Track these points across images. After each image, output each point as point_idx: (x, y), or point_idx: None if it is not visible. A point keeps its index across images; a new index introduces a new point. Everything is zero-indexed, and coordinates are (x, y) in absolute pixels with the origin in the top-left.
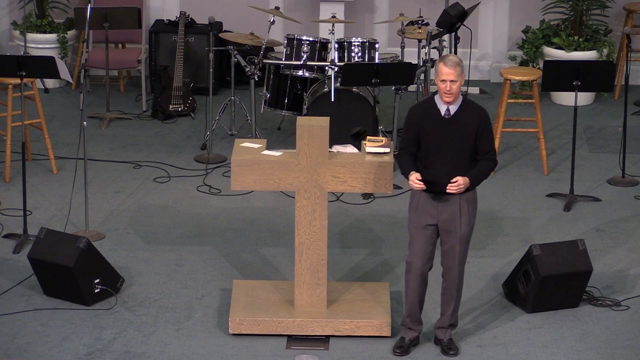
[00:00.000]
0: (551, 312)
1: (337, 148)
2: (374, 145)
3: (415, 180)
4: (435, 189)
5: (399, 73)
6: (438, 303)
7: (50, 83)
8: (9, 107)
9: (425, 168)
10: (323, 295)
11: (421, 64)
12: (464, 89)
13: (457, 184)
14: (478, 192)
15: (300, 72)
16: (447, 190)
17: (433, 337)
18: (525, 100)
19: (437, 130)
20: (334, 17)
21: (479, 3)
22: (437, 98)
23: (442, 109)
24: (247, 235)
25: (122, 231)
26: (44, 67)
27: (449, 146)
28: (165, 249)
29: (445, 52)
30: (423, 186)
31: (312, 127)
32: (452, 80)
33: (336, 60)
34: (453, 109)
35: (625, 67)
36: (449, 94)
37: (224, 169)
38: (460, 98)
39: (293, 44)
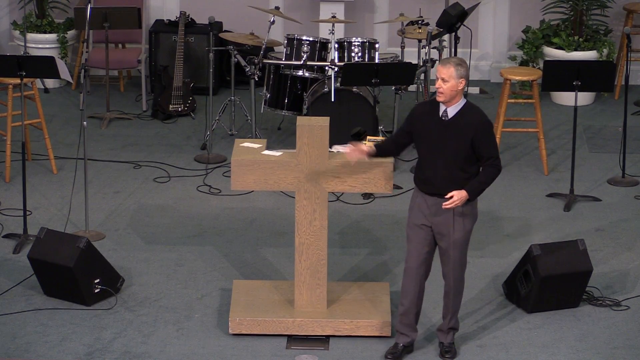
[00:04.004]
0: (551, 312)
1: (337, 148)
2: None
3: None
4: (429, 189)
5: (399, 73)
6: (438, 303)
7: (50, 83)
8: (9, 107)
9: (420, 168)
10: (323, 295)
11: (421, 64)
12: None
13: (452, 200)
14: None
15: (300, 72)
16: (443, 207)
17: (434, 338)
18: (525, 100)
19: (434, 131)
20: (334, 17)
21: (479, 3)
22: None
23: (441, 109)
24: (247, 235)
25: (122, 231)
26: (44, 67)
27: (443, 148)
28: (165, 249)
29: (445, 52)
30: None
31: (312, 127)
32: (442, 79)
33: (336, 60)
34: (451, 111)
35: (625, 67)
36: (439, 92)
37: (224, 169)
38: (463, 101)
39: (293, 44)
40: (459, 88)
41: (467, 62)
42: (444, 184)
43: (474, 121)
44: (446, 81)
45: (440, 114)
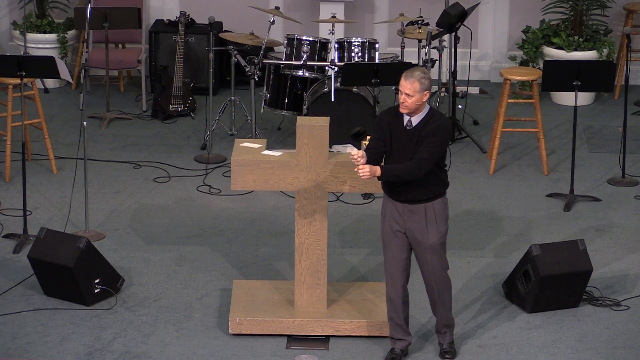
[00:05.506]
0: (551, 312)
1: (337, 148)
2: None
3: (354, 154)
4: (398, 196)
5: (399, 73)
6: (426, 303)
7: (50, 83)
8: (9, 107)
9: None
10: (323, 295)
11: (421, 64)
12: (464, 88)
13: (364, 171)
14: (479, 192)
15: (300, 72)
16: (357, 173)
17: (430, 337)
18: (525, 100)
19: (400, 139)
20: (334, 17)
21: (479, 3)
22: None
23: (405, 119)
24: (247, 235)
25: (122, 231)
26: (44, 67)
27: (410, 156)
28: (165, 249)
29: (445, 52)
30: (359, 160)
31: (312, 127)
32: (406, 94)
33: (336, 60)
34: (415, 120)
35: (625, 67)
36: (403, 106)
37: (224, 169)
38: (426, 109)
39: (293, 44)
40: (423, 100)
41: (467, 62)
42: (412, 190)
43: (433, 126)
44: (410, 96)
45: (405, 124)
